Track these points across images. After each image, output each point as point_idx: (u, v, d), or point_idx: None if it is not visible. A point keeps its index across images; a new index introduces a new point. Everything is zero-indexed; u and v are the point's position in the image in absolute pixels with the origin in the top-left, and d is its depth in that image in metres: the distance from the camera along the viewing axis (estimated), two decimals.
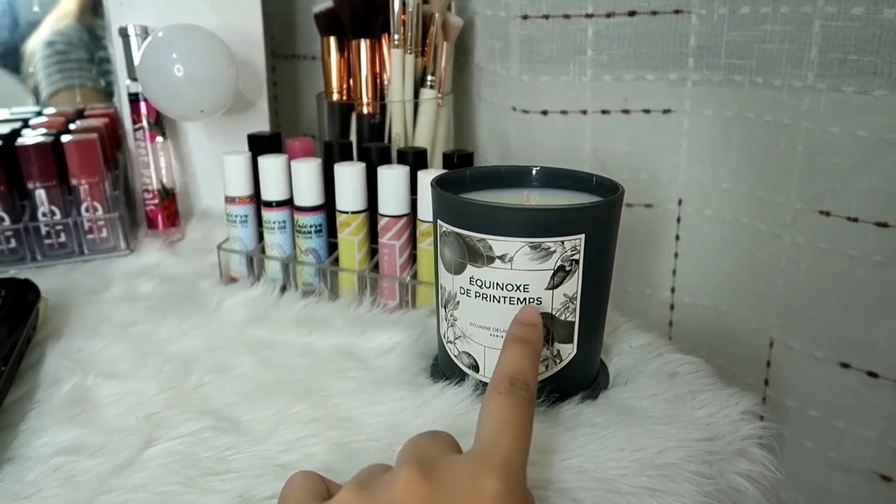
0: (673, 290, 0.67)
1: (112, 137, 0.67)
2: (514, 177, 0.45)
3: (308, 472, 0.29)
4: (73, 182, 0.60)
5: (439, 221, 0.39)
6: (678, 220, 0.65)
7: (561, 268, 0.37)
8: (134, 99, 0.64)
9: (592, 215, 0.37)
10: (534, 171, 0.45)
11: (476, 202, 0.38)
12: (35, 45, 0.75)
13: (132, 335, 0.49)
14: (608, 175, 0.41)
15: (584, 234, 0.37)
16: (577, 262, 0.37)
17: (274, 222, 0.55)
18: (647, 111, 0.63)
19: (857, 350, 0.55)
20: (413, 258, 0.53)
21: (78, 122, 0.65)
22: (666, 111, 0.62)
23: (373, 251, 0.54)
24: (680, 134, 0.63)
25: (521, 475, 0.27)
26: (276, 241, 0.56)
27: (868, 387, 0.55)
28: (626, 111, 0.63)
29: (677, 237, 0.66)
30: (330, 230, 0.55)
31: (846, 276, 0.54)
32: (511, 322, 0.35)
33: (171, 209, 0.67)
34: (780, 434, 0.40)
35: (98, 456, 0.36)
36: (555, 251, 0.37)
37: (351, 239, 0.53)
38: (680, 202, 0.65)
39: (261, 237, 0.57)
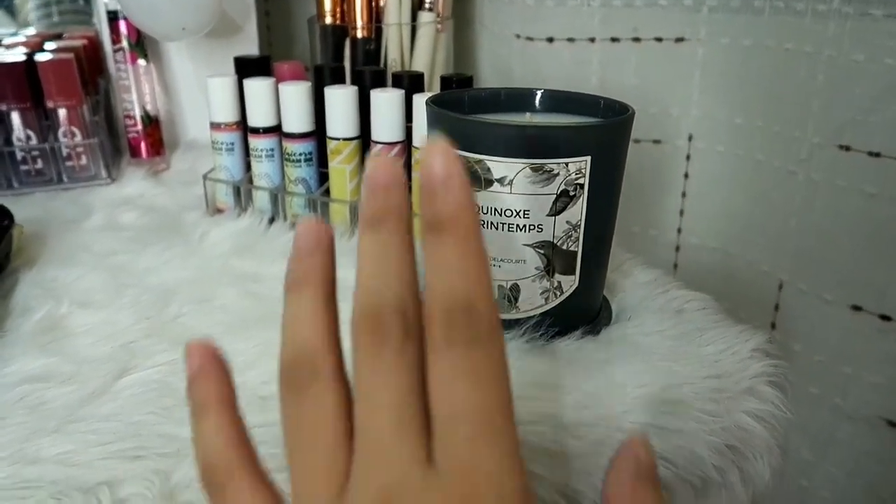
0: (679, 230, 0.65)
1: (92, 61, 0.64)
2: (517, 100, 0.41)
3: None
4: (49, 105, 0.56)
5: None
6: (688, 157, 0.62)
7: (564, 192, 0.34)
8: (113, 17, 0.60)
9: (600, 136, 0.35)
10: (538, 95, 0.41)
11: (474, 119, 0.35)
12: None
13: (111, 265, 0.47)
14: None
15: (590, 157, 0.34)
16: (581, 186, 0.34)
17: (261, 150, 0.52)
18: (658, 39, 0.59)
19: (870, 293, 0.52)
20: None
21: (55, 43, 0.61)
22: (679, 39, 0.59)
23: None
24: (693, 64, 0.59)
25: None
26: (264, 171, 0.53)
27: (880, 331, 0.52)
28: (636, 39, 0.60)
29: (686, 175, 0.63)
30: (320, 159, 0.52)
31: (864, 214, 0.51)
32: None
33: (154, 137, 0.64)
34: (786, 378, 0.38)
35: (68, 384, 0.34)
36: (558, 174, 0.34)
37: (342, 167, 0.50)
38: (690, 138, 0.61)
39: (248, 166, 0.54)
